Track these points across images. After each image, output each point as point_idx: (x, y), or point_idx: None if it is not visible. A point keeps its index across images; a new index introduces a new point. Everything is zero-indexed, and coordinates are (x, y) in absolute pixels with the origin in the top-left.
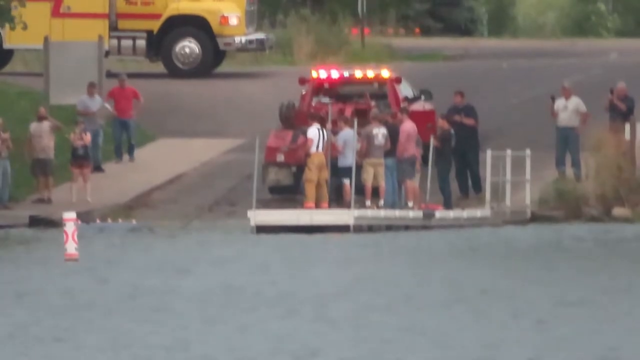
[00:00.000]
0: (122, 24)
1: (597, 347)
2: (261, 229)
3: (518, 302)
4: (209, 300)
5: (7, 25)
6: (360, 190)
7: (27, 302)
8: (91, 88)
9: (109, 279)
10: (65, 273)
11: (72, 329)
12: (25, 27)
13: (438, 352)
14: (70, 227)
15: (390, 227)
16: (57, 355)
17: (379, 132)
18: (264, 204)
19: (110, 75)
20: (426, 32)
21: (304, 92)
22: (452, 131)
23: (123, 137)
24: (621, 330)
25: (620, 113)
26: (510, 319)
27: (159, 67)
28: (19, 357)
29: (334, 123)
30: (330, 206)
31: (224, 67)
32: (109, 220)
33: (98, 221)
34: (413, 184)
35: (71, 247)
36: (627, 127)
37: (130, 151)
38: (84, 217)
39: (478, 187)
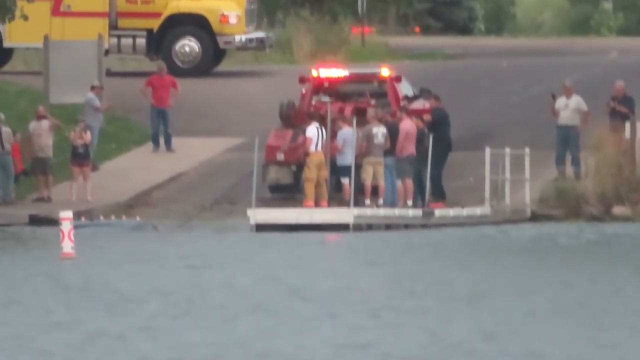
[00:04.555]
0: (122, 22)
1: (592, 346)
2: (261, 228)
3: (514, 301)
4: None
5: (7, 24)
6: (359, 189)
7: (14, 300)
8: (99, 90)
9: (100, 277)
10: (59, 272)
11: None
12: (26, 19)
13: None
14: (66, 226)
15: (389, 226)
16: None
17: (379, 131)
18: (264, 203)
19: (110, 74)
20: (426, 31)
21: (304, 91)
22: (426, 130)
23: (160, 126)
24: (618, 330)
25: (621, 114)
26: (504, 317)
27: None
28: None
29: (334, 122)
30: (329, 205)
31: (224, 65)
32: (113, 217)
33: (101, 218)
34: (411, 183)
35: (67, 246)
36: (628, 126)
37: (167, 141)
38: (87, 215)
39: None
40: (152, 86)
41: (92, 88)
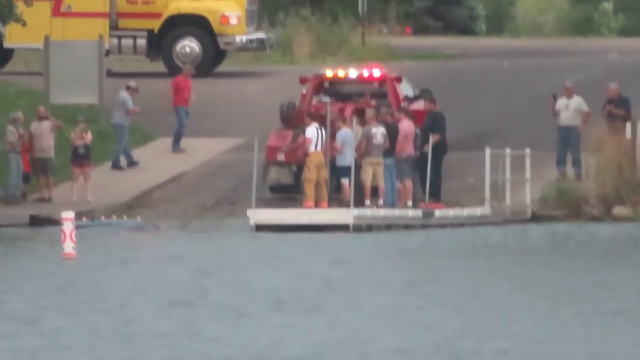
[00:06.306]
0: (123, 23)
1: (589, 346)
2: (261, 228)
3: (513, 302)
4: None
5: (7, 25)
6: (359, 189)
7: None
8: (134, 91)
9: (100, 278)
10: (57, 272)
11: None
12: (24, 24)
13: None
14: (68, 227)
15: (389, 227)
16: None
17: (378, 132)
18: (264, 203)
19: (110, 74)
20: (425, 30)
21: (304, 92)
22: (418, 131)
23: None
24: (615, 330)
25: (619, 116)
26: (501, 319)
27: (160, 66)
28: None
29: (333, 122)
30: (329, 205)
31: (224, 66)
32: (114, 218)
33: (102, 218)
34: (410, 183)
35: (69, 247)
36: (628, 126)
37: (176, 141)
38: (88, 215)
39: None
40: (178, 88)
41: (128, 88)
